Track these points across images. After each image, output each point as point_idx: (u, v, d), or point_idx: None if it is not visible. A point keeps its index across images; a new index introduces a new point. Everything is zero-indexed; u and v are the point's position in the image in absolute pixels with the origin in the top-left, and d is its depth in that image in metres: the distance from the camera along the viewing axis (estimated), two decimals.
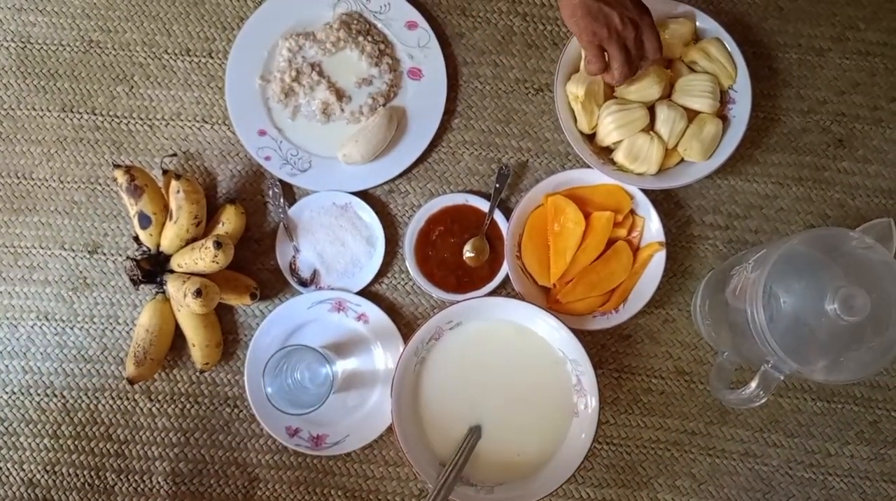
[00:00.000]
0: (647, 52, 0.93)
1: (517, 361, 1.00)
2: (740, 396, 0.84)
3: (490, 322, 1.01)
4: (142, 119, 1.11)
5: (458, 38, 1.12)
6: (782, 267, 0.80)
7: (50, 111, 1.11)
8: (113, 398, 1.07)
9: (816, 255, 0.83)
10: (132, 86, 1.12)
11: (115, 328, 1.08)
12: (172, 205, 1.00)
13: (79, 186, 1.10)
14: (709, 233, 1.09)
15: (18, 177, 1.10)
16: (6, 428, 1.06)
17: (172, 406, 1.07)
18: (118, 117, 1.11)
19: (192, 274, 1.00)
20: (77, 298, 1.08)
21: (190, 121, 1.11)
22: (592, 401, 0.96)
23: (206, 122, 1.11)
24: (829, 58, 1.11)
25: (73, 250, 1.09)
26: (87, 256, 1.09)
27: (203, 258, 0.97)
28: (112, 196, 1.10)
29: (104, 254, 1.09)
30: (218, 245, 0.96)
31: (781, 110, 1.11)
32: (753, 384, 0.82)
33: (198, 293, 0.94)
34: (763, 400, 0.82)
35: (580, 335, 0.96)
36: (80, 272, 1.09)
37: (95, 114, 1.11)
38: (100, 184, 1.10)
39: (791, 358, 0.79)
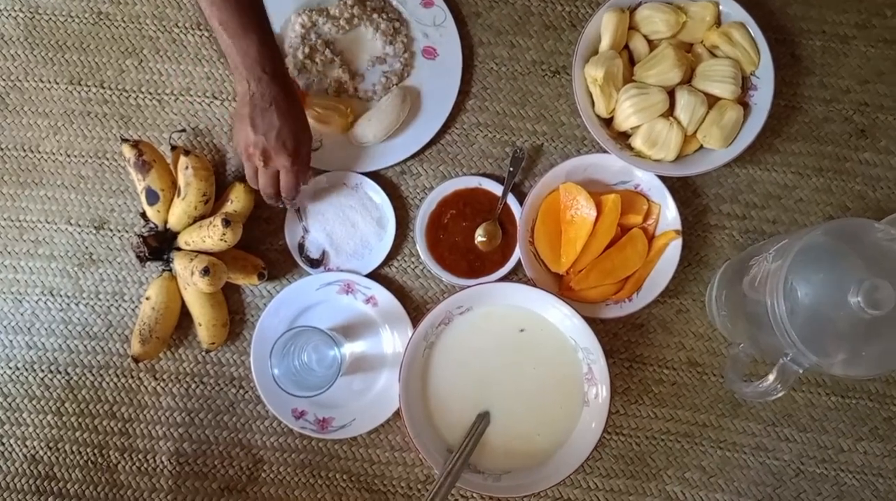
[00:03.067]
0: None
1: (528, 348, 0.99)
2: (757, 389, 0.82)
3: (501, 307, 0.99)
4: (151, 93, 1.09)
5: (475, 17, 1.09)
6: (804, 257, 0.78)
7: (58, 83, 1.09)
8: (117, 376, 1.06)
9: (839, 246, 0.81)
10: (141, 60, 1.10)
11: (120, 305, 1.06)
12: (181, 181, 0.98)
13: (86, 160, 1.08)
14: (726, 223, 1.07)
15: (25, 150, 1.08)
16: (10, 404, 1.05)
17: (177, 385, 1.05)
18: (127, 91, 1.09)
19: (200, 252, 0.99)
20: (83, 274, 1.07)
21: (199, 96, 1.09)
22: (603, 391, 0.94)
23: (216, 98, 1.09)
24: (853, 45, 1.09)
25: (80, 225, 1.07)
26: (94, 232, 1.07)
27: (211, 236, 0.96)
28: (119, 171, 1.08)
29: (111, 230, 1.07)
30: (226, 223, 0.94)
31: (803, 98, 1.08)
32: (771, 377, 0.80)
33: (205, 271, 0.92)
34: (781, 394, 0.80)
35: (592, 323, 0.95)
36: (86, 248, 1.07)
37: (104, 88, 1.09)
38: (107, 159, 1.08)
39: (811, 351, 0.77)
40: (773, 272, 0.80)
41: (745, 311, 0.90)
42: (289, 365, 0.96)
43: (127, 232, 1.07)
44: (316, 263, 1.05)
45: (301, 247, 1.05)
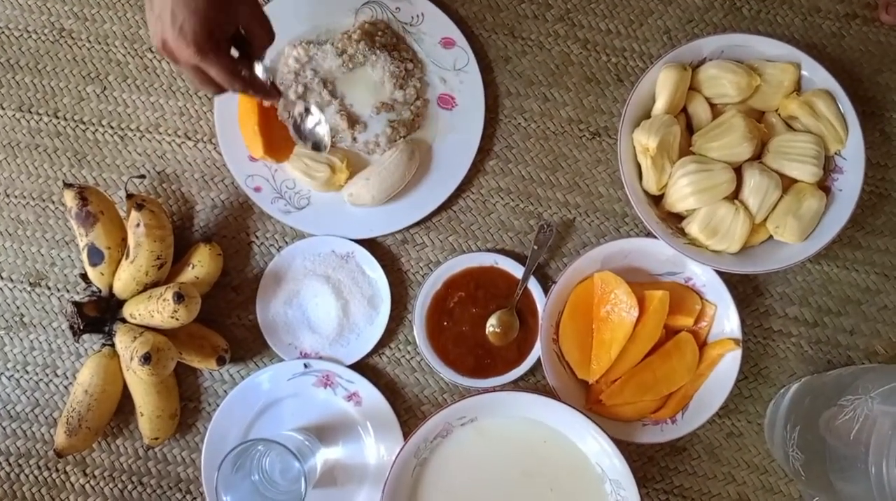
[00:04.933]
0: None
1: (542, 473, 0.81)
2: None
3: (512, 420, 0.81)
4: (112, 127, 0.92)
5: (503, 62, 0.92)
6: None
7: (4, 109, 0.92)
8: (39, 468, 0.87)
9: None
10: (105, 88, 0.92)
11: (51, 381, 0.88)
12: (131, 240, 0.80)
13: (27, 202, 0.91)
14: (792, 330, 0.88)
15: None
16: None
17: (111, 484, 0.86)
18: (84, 123, 0.92)
19: (148, 327, 0.80)
20: (10, 339, 0.89)
21: (170, 134, 0.92)
22: None
23: (189, 139, 0.91)
24: None
25: (12, 280, 0.90)
26: (28, 289, 0.90)
27: (160, 311, 0.77)
28: (66, 218, 0.90)
29: (48, 289, 0.89)
30: (179, 298, 0.76)
31: (893, 185, 0.90)
32: None
33: (146, 359, 0.74)
34: None
35: (624, 446, 0.76)
36: (17, 308, 0.89)
37: (58, 118, 0.92)
38: (52, 203, 0.91)
39: None
40: (880, 423, 0.60)
41: (826, 457, 0.71)
42: (245, 478, 0.77)
43: (68, 291, 0.89)
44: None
45: (298, 127, 0.83)
